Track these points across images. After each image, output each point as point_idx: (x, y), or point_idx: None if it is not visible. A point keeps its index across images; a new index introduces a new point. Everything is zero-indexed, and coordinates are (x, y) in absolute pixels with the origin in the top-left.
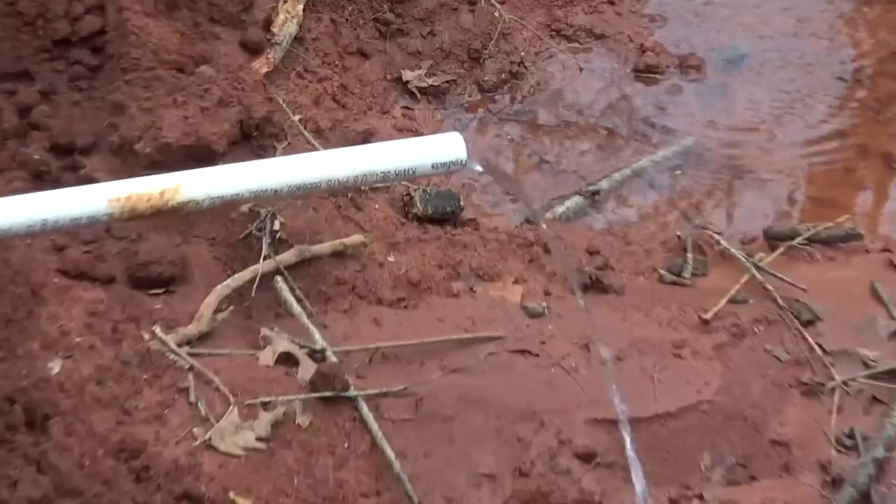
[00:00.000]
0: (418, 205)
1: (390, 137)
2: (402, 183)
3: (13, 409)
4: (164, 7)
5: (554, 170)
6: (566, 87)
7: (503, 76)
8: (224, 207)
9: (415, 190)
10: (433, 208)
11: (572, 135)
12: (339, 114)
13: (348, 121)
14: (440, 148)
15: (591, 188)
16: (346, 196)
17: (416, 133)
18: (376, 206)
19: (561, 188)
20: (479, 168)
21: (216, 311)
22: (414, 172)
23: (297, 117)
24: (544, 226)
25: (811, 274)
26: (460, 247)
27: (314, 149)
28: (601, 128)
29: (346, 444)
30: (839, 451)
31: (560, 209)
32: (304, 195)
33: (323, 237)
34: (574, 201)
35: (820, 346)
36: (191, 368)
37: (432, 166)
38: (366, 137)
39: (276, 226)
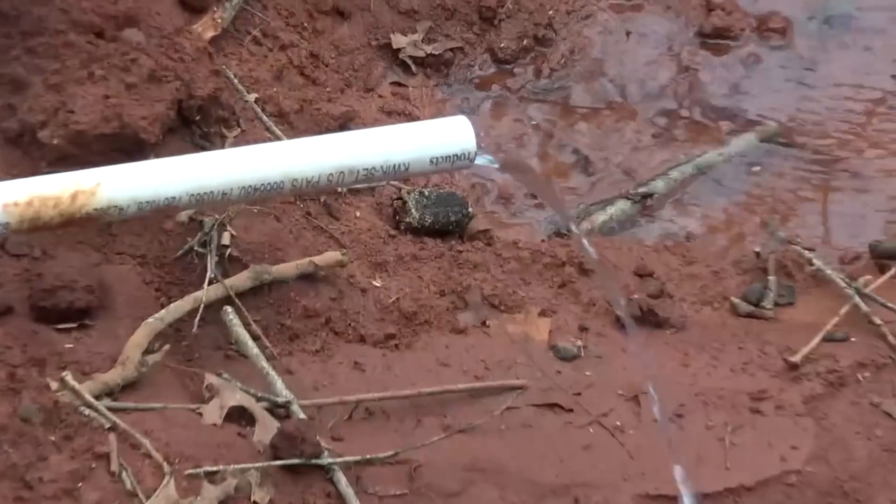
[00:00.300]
0: (413, 212)
1: (376, 123)
2: (392, 183)
3: None
4: None
5: (593, 166)
6: (609, 57)
7: (525, 42)
8: (156, 215)
9: (409, 193)
10: (433, 217)
11: (617, 120)
12: (308, 92)
13: (320, 101)
14: (442, 137)
15: (642, 190)
16: (318, 200)
17: (409, 117)
18: (358, 214)
19: (602, 190)
20: (493, 164)
21: (146, 353)
22: (407, 169)
23: (252, 96)
24: (582, 239)
25: None
26: (469, 267)
27: (276, 138)
28: (655, 111)
29: None
30: None
31: (601, 217)
32: (263, 199)
33: (287, 254)
34: (619, 207)
35: None
36: (112, 428)
37: (431, 161)
38: (344, 123)
39: (226, 240)
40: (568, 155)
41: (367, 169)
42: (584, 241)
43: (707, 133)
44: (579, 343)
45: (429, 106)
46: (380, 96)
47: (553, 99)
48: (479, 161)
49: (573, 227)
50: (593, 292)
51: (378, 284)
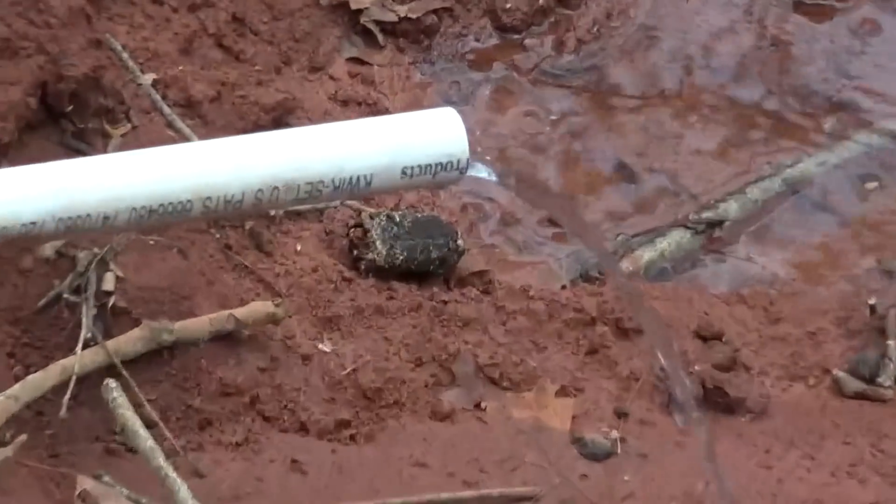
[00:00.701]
0: (378, 245)
1: (326, 118)
2: (349, 204)
3: None
4: None
5: (637, 179)
6: (662, 24)
7: (541, 2)
8: (8, 248)
9: (372, 217)
10: (406, 252)
11: (673, 114)
12: (229, 72)
13: (246, 85)
14: (420, 138)
15: (708, 216)
16: (242, 228)
17: (374, 109)
18: (299, 248)
19: (651, 215)
20: (492, 177)
21: None
22: (370, 184)
23: (149, 78)
24: (622, 283)
25: None
26: (457, 325)
27: (182, 139)
28: (727, 101)
29: None
30: None
31: (649, 254)
32: (163, 225)
33: (197, 305)
34: (675, 240)
35: None
36: None
37: (405, 173)
38: (280, 117)
39: (109, 283)
40: (602, 163)
41: (311, 183)
42: (623, 284)
43: (801, 133)
44: (614, 435)
45: (402, 93)
46: (332, 78)
47: (581, 83)
48: (474, 173)
49: (608, 268)
50: (635, 361)
51: (327, 349)
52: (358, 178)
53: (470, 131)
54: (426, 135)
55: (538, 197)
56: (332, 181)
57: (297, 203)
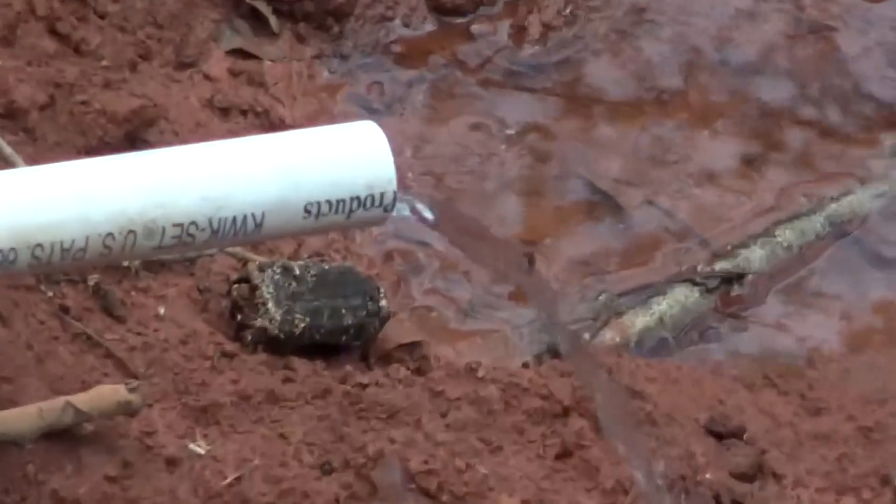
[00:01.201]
0: (270, 308)
1: (198, 130)
2: (230, 251)
3: None
4: None
5: (627, 217)
6: (660, 4)
7: None
8: None
9: (261, 270)
10: (309, 317)
11: (675, 126)
12: (66, 68)
13: (91, 87)
14: (329, 162)
15: (723, 266)
16: (84, 284)
17: (264, 119)
18: (162, 312)
19: (645, 266)
20: (427, 217)
21: None
22: (259, 226)
23: None
24: (592, 362)
25: None
26: (379, 416)
27: (1, 163)
28: (750, 107)
29: None
30: None
31: (642, 320)
32: None
33: (21, 390)
34: (678, 299)
35: None
36: None
37: (308, 211)
38: (135, 130)
39: None
40: (577, 194)
41: (180, 225)
42: (594, 366)
43: (850, 153)
44: None
45: (303, 97)
46: (207, 78)
47: (549, 84)
48: (402, 211)
49: (578, 343)
50: (623, 467)
51: (201, 450)
52: (244, 219)
53: (397, 152)
54: (337, 158)
55: (483, 246)
56: (209, 222)
57: (161, 252)
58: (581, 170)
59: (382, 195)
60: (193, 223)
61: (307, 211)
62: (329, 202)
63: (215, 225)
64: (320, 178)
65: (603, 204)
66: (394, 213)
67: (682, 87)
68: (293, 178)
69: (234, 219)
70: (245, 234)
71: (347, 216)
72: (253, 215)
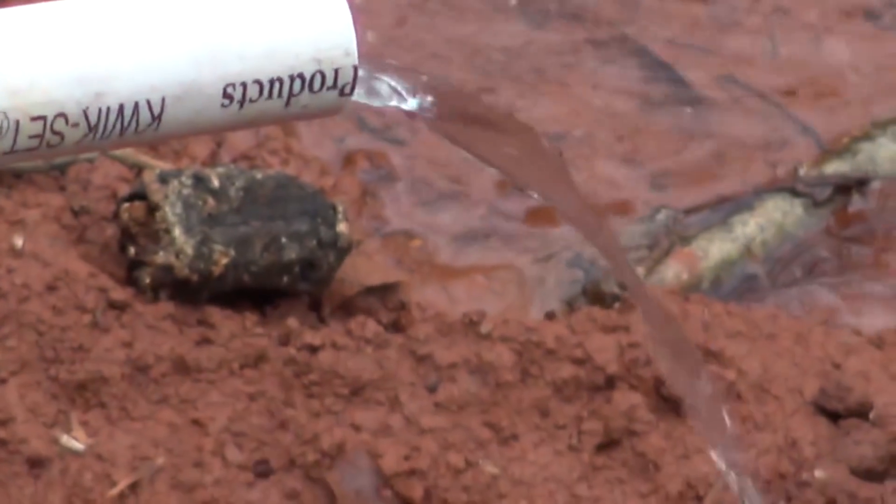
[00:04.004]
0: (177, 236)
1: None
2: (117, 155)
3: None
4: None
5: (695, 101)
6: None
7: None
8: None
9: (164, 181)
10: (234, 249)
11: None
12: None
13: None
14: (260, 25)
15: (836, 169)
16: None
17: None
18: (20, 244)
19: (721, 170)
20: (403, 102)
21: None
22: (157, 122)
23: None
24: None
25: None
26: (337, 393)
27: None
28: None
29: None
30: None
31: (720, 248)
32: None
33: None
34: (772, 218)
35: None
36: None
37: (229, 97)
38: None
39: None
40: (624, 73)
41: (40, 118)
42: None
43: None
44: None
45: None
46: None
47: None
48: (369, 97)
49: (632, 283)
50: (694, 462)
51: (78, 445)
52: (135, 109)
53: (355, 21)
54: (272, 19)
55: (489, 140)
56: (84, 115)
57: (15, 159)
58: (623, 38)
59: (337, 72)
60: (61, 116)
61: (227, 95)
62: (259, 82)
63: (93, 118)
64: (247, 48)
65: (661, 79)
66: (354, 98)
67: None
68: (207, 48)
69: (122, 108)
70: (137, 132)
71: (286, 102)
72: (149, 103)
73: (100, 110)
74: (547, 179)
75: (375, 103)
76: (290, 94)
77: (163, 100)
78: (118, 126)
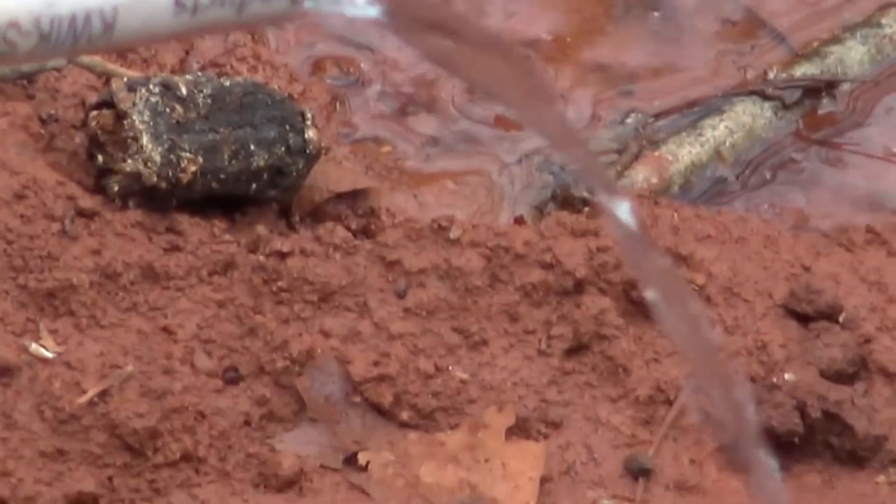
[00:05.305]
0: (145, 144)
1: None
2: (84, 62)
3: None
4: None
5: (664, 2)
6: None
7: None
8: None
9: (131, 89)
10: (202, 157)
11: None
12: None
13: None
14: None
15: (805, 72)
16: None
17: None
18: None
19: (691, 72)
20: (368, 8)
21: None
22: (110, 30)
23: None
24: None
25: None
26: (307, 299)
27: None
28: None
29: None
30: None
31: (689, 152)
32: None
33: None
34: (741, 120)
35: None
36: None
37: (180, 5)
38: None
39: None
40: None
41: None
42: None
43: None
44: None
45: None
46: None
47: None
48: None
49: (602, 187)
50: (664, 367)
51: (47, 353)
52: (87, 19)
53: None
54: None
55: (460, 51)
56: (36, 24)
57: None
58: None
59: None
60: (13, 25)
61: (179, 3)
62: None
63: (45, 27)
64: None
65: None
66: (311, 5)
67: None
68: None
69: (74, 18)
70: (90, 40)
71: (238, 9)
72: (101, 12)
73: (52, 19)
74: (514, 88)
75: (328, 9)
76: (242, 1)
77: (114, 8)
78: (70, 35)
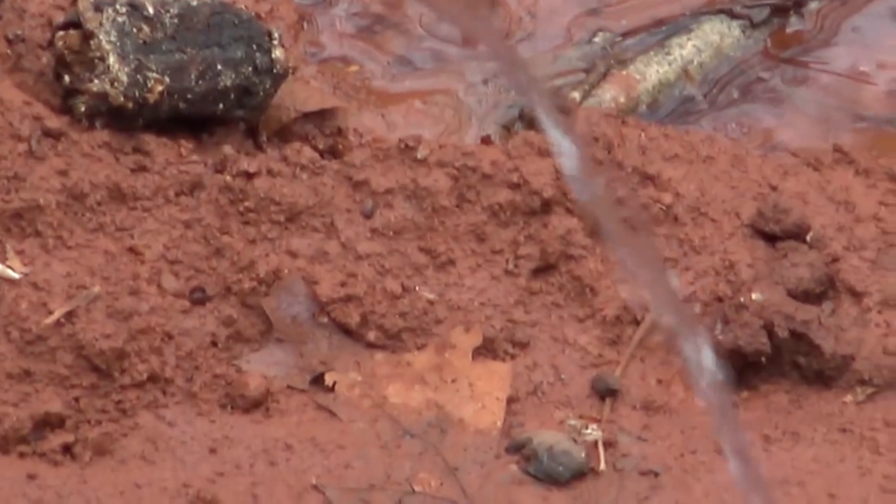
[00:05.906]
0: (112, 64)
1: None
2: None
3: None
4: None
5: None
6: None
7: None
8: None
9: (98, 9)
10: (169, 76)
11: None
12: None
13: None
14: None
15: None
16: None
17: None
18: None
19: None
20: None
21: None
22: None
23: None
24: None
25: None
26: (273, 219)
27: None
28: None
29: None
30: None
31: (657, 71)
32: None
33: None
34: (708, 39)
35: None
36: None
37: None
38: None
39: None
40: None
41: None
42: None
43: None
44: (592, 435)
45: None
46: None
47: None
48: None
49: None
50: (630, 287)
51: (13, 274)
52: None
53: None
54: None
55: None
56: None
57: None
58: None
59: None
60: None
61: None
62: None
63: None
64: None
65: None
66: None
67: None
68: None
69: None
70: None
71: None
72: None
73: None
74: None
75: None
76: None
77: None
78: None
